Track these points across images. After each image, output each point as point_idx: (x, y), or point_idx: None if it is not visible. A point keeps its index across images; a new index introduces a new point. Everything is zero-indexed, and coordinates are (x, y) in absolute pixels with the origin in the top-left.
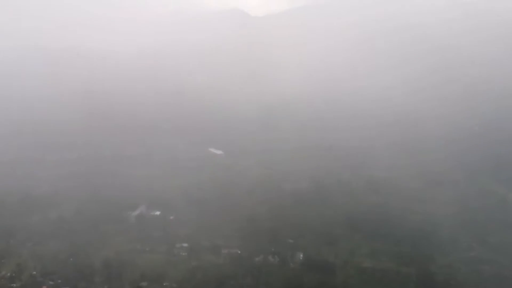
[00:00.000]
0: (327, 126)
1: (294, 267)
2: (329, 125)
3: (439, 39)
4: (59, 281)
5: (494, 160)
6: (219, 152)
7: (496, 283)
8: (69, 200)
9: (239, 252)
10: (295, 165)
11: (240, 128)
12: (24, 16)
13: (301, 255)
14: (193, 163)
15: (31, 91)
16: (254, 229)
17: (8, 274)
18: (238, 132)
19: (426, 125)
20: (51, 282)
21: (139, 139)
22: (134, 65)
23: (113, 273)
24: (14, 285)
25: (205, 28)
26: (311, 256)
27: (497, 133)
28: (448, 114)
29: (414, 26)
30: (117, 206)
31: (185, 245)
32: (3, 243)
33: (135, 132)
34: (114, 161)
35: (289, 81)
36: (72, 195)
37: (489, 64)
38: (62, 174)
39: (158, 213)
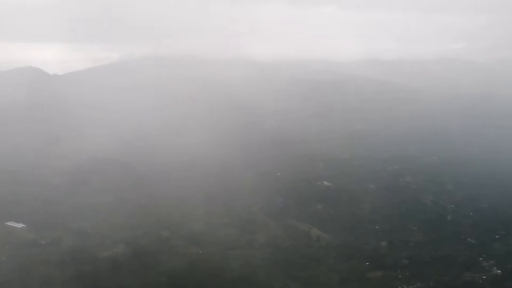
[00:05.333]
0: (143, 184)
1: None
2: (145, 182)
3: (242, 98)
4: None
5: (295, 200)
6: (19, 225)
7: None
8: None
9: None
10: (111, 228)
11: (45, 195)
12: None
13: None
14: None
15: None
16: None
17: None
18: (43, 200)
19: (235, 174)
20: None
21: None
22: None
23: None
24: None
25: None
26: None
27: (295, 176)
28: (253, 162)
29: (220, 84)
30: None
31: None
32: None
33: None
34: None
35: (97, 140)
36: None
37: (284, 118)
38: None
39: None
